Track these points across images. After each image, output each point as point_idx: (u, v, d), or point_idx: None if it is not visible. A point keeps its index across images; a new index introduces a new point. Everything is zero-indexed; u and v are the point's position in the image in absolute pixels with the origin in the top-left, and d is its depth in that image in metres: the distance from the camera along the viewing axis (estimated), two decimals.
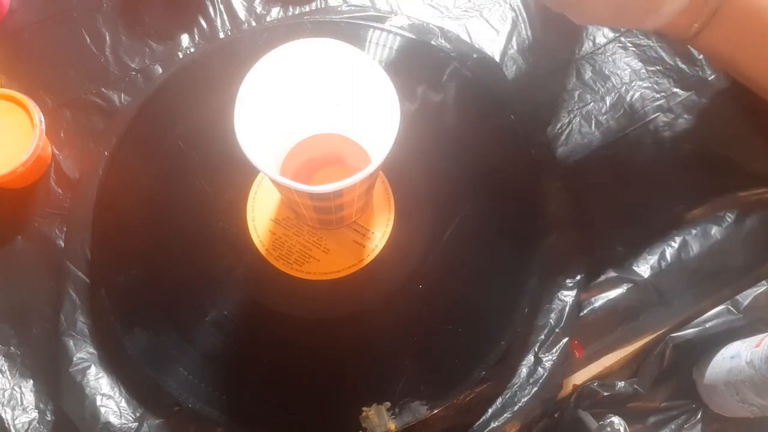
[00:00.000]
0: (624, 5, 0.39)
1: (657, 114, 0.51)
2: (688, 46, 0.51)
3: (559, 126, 0.51)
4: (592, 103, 0.52)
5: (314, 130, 0.44)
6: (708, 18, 0.40)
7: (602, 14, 0.40)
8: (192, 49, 0.53)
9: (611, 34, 0.53)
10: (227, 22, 0.54)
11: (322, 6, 0.54)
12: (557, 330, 0.44)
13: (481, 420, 0.42)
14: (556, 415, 0.44)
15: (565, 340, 0.43)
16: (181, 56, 0.52)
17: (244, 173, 0.46)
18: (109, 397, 0.43)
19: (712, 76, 0.52)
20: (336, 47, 0.36)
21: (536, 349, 0.43)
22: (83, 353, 0.44)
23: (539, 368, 0.43)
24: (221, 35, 0.53)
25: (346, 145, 0.44)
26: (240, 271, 0.45)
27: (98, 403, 0.42)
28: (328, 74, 0.37)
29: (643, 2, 0.38)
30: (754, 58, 0.43)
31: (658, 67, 0.52)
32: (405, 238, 0.45)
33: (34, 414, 0.44)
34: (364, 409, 0.41)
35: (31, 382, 0.45)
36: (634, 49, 0.53)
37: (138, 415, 0.43)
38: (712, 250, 0.47)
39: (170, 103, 0.49)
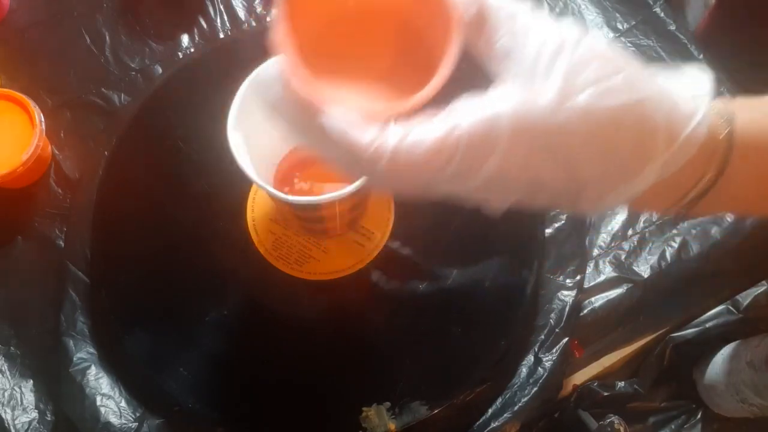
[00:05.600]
0: (538, 202, 0.26)
1: None
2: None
3: None
4: None
5: None
6: (708, 185, 0.25)
7: (509, 203, 0.27)
8: (192, 49, 0.53)
9: (611, 34, 0.53)
10: (227, 22, 0.54)
11: None
12: (557, 330, 0.44)
13: (481, 420, 0.42)
14: (556, 415, 0.44)
15: (565, 340, 0.43)
16: (181, 56, 0.52)
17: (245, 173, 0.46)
18: (109, 397, 0.43)
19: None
20: None
21: (536, 349, 0.43)
22: (83, 353, 0.44)
23: (539, 368, 0.43)
24: (221, 35, 0.53)
25: None
26: (240, 271, 0.45)
27: (98, 403, 0.42)
28: None
29: (565, 199, 0.25)
30: None
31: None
32: (405, 239, 0.45)
33: (34, 414, 0.44)
34: (364, 409, 0.41)
35: (31, 382, 0.45)
36: (634, 49, 0.53)
37: (138, 415, 0.43)
38: (712, 250, 0.47)
39: (170, 103, 0.49)
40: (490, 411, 0.43)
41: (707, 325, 0.45)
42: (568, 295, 0.45)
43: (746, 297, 0.45)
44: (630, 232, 0.48)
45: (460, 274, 0.45)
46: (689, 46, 0.52)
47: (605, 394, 0.44)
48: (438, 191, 0.24)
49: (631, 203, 0.26)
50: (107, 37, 0.53)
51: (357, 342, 0.44)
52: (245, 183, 0.46)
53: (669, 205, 0.26)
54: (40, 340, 0.45)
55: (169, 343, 0.43)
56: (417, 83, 0.23)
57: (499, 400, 0.43)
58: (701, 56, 0.52)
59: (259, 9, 0.54)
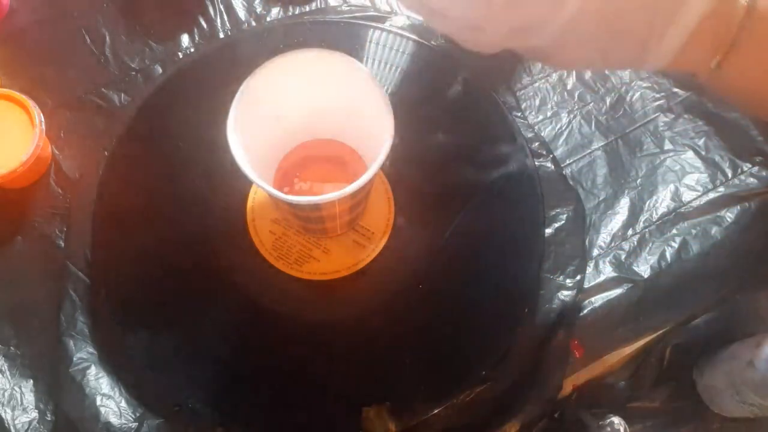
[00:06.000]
0: (610, 47, 0.31)
1: (657, 114, 0.51)
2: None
3: (559, 126, 0.51)
4: (592, 103, 0.52)
5: (313, 135, 0.45)
6: (728, 47, 0.31)
7: (583, 61, 0.33)
8: (192, 49, 0.53)
9: None
10: (227, 22, 0.54)
11: (322, 6, 0.54)
12: (557, 330, 0.44)
13: (481, 420, 0.42)
14: (556, 415, 0.44)
15: (565, 340, 0.43)
16: (181, 56, 0.52)
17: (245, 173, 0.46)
18: (109, 397, 0.43)
19: None
20: (333, 57, 0.36)
21: (536, 349, 0.43)
22: (83, 353, 0.44)
23: (539, 368, 0.43)
24: (221, 35, 0.53)
25: (344, 150, 0.45)
26: (240, 271, 0.45)
27: (98, 403, 0.42)
28: (324, 83, 0.37)
29: (634, 40, 0.31)
30: None
31: None
32: (405, 238, 0.45)
33: (34, 414, 0.44)
34: (365, 409, 0.41)
35: (31, 382, 0.45)
36: None
37: (138, 415, 0.43)
38: (712, 250, 0.47)
39: (170, 103, 0.49)
40: (490, 411, 0.43)
41: (707, 325, 0.45)
42: (568, 295, 0.45)
43: (746, 297, 0.45)
44: (630, 232, 0.48)
45: (460, 274, 0.45)
46: None
47: (605, 394, 0.44)
48: (531, 33, 0.30)
49: (676, 59, 0.31)
50: (107, 37, 0.53)
51: (357, 342, 0.44)
52: (245, 183, 0.46)
53: (704, 60, 0.32)
54: (40, 340, 0.45)
55: (169, 343, 0.43)
56: None
57: (499, 400, 0.43)
58: None
59: (259, 9, 0.54)
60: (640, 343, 0.46)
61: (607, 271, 0.47)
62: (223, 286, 0.45)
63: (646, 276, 0.46)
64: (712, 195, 0.48)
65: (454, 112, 0.49)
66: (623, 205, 0.49)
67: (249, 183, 0.45)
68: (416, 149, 0.46)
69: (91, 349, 0.44)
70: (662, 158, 0.50)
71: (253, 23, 0.54)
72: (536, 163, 0.48)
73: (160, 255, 0.45)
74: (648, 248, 0.47)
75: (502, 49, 0.33)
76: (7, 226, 0.48)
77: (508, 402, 0.43)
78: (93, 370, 0.43)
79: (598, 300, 0.46)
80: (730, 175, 0.49)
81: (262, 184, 0.33)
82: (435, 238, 0.45)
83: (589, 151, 0.50)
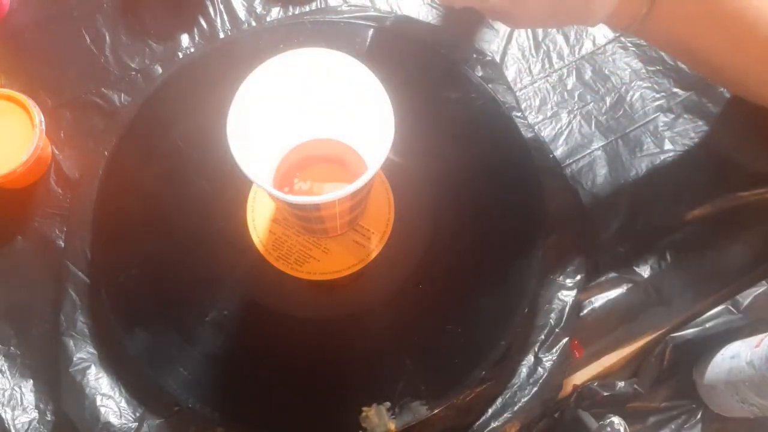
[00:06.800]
0: (557, 3, 0.36)
1: (657, 114, 0.51)
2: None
3: (559, 126, 0.51)
4: (592, 103, 0.52)
5: (313, 135, 0.45)
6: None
7: (538, 17, 0.38)
8: (192, 49, 0.53)
9: (611, 34, 0.53)
10: (227, 22, 0.54)
11: (322, 6, 0.54)
12: (557, 330, 0.44)
13: (481, 420, 0.42)
14: (556, 415, 0.44)
15: (565, 340, 0.43)
16: (181, 56, 0.52)
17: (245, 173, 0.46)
18: (109, 397, 0.43)
19: None
20: (333, 57, 0.36)
21: (536, 349, 0.43)
22: (83, 353, 0.44)
23: (539, 368, 0.43)
24: (221, 35, 0.53)
25: (344, 150, 0.45)
26: (240, 271, 0.45)
27: (98, 403, 0.42)
28: (324, 83, 0.37)
29: None
30: (705, 33, 0.39)
31: (658, 67, 0.52)
32: (405, 238, 0.45)
33: (34, 414, 0.44)
34: (364, 409, 0.41)
35: (31, 382, 0.45)
36: (634, 49, 0.53)
37: (138, 415, 0.43)
38: (712, 250, 0.47)
39: (170, 103, 0.49)
40: (490, 411, 0.43)
41: (707, 325, 0.45)
42: (568, 295, 0.45)
43: (746, 297, 0.45)
44: (630, 232, 0.48)
45: (460, 274, 0.45)
46: None
47: (605, 394, 0.44)
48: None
49: (613, 13, 0.37)
50: (107, 37, 0.53)
51: (357, 342, 0.44)
52: (245, 183, 0.46)
53: (636, 12, 0.37)
54: (40, 340, 0.45)
55: (169, 343, 0.43)
56: None
57: (499, 400, 0.43)
58: None
59: (259, 9, 0.54)
60: (640, 343, 0.46)
61: (607, 271, 0.47)
62: (223, 286, 0.45)
63: (646, 276, 0.46)
64: (712, 195, 0.48)
65: (455, 112, 0.49)
66: (623, 205, 0.48)
67: (249, 183, 0.45)
68: (416, 149, 0.46)
69: (91, 349, 0.44)
70: (662, 158, 0.50)
71: (253, 23, 0.54)
72: (536, 163, 0.48)
73: (160, 255, 0.45)
74: (648, 248, 0.47)
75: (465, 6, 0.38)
76: (7, 226, 0.48)
77: (508, 402, 0.43)
78: (93, 370, 0.43)
79: (598, 300, 0.46)
80: (730, 175, 0.49)
81: (262, 184, 0.33)
82: (435, 238, 0.45)
83: (589, 151, 0.50)
